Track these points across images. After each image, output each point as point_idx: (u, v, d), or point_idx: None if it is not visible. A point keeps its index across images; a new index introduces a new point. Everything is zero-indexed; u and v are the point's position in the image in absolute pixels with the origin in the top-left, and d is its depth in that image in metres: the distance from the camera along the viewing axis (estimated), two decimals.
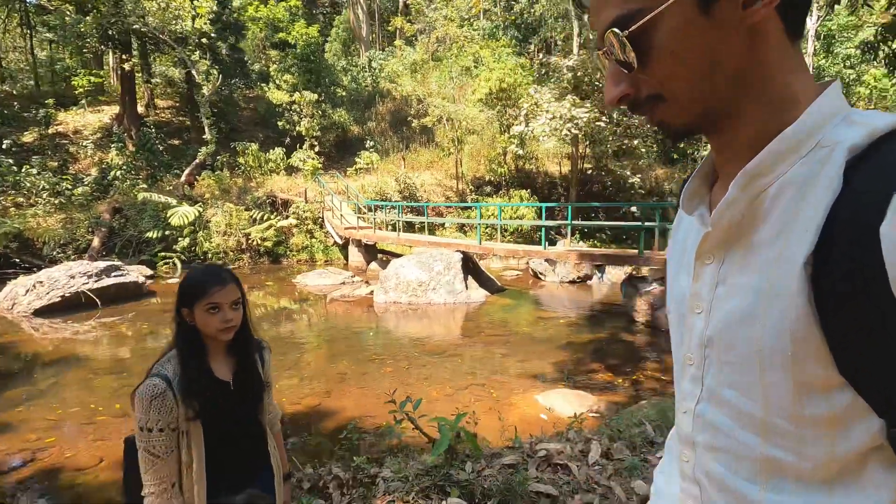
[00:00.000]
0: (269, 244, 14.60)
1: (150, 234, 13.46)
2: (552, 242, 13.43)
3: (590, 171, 18.11)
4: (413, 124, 18.79)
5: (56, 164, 15.52)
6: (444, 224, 15.83)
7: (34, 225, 12.68)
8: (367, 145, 19.96)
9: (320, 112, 18.93)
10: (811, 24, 16.91)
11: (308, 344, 7.85)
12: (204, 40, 17.10)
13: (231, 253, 14.24)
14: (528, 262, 13.14)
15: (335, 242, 15.20)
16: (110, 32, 16.45)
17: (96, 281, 9.56)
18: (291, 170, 18.10)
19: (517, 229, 15.85)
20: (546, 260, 11.59)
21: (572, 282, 11.97)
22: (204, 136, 16.99)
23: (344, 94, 21.87)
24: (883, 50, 8.28)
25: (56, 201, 13.89)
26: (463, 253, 10.50)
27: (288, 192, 16.38)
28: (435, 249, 10.85)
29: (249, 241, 14.48)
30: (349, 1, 28.00)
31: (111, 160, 16.18)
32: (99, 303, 9.33)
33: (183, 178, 15.96)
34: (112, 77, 21.80)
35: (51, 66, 22.99)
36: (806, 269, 0.43)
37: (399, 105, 22.49)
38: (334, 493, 2.51)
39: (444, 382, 6.06)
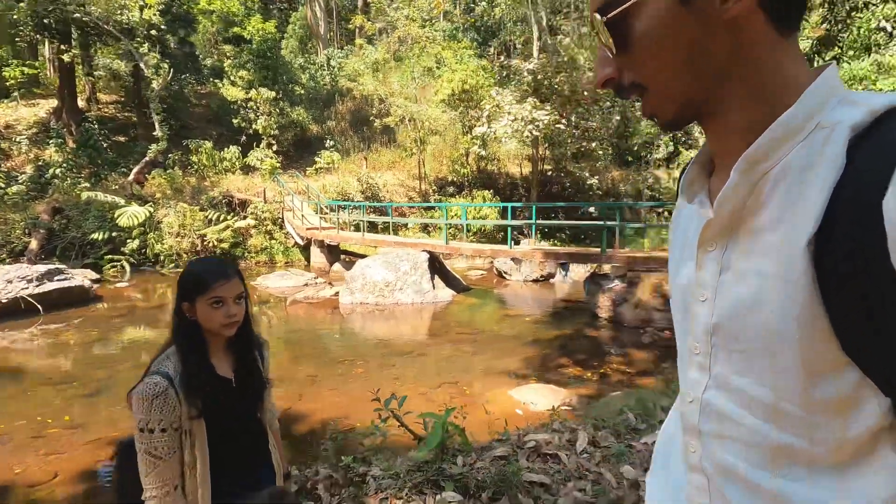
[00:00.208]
0: (225, 245, 14.07)
1: (95, 236, 12.66)
2: (516, 242, 13.65)
3: (549, 173, 18.53)
4: (376, 124, 18.62)
5: None
6: (406, 224, 15.77)
7: None
8: (327, 145, 19.61)
9: (278, 110, 18.44)
10: None
11: (274, 347, 7.58)
12: (153, 32, 16.29)
13: (185, 255, 13.60)
14: (492, 262, 13.29)
15: (296, 243, 14.83)
16: (47, 21, 15.38)
17: (37, 286, 8.91)
18: (248, 169, 17.53)
19: (480, 229, 16.00)
20: (512, 259, 11.77)
21: (536, 280, 12.20)
22: (154, 133, 16.17)
23: (302, 92, 21.39)
24: (817, 61, 8.95)
25: None
26: (429, 253, 10.50)
27: (245, 191, 15.85)
28: (401, 249, 10.80)
29: (205, 243, 13.90)
30: None
31: (49, 157, 15.12)
32: (41, 309, 8.70)
33: (131, 177, 15.12)
34: (49, 69, 20.38)
35: None
36: (809, 250, 0.44)
37: (359, 104, 22.22)
38: (324, 495, 2.45)
39: (417, 382, 6.04)
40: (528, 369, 6.40)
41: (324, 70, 23.80)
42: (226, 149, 17.66)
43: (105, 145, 16.62)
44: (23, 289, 8.70)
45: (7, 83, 17.45)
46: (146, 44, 16.27)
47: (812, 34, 9.07)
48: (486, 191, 17.76)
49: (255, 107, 18.05)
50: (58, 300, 9.12)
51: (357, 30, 27.62)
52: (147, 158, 15.76)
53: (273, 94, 17.92)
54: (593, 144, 16.15)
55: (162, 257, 13.36)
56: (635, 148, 20.57)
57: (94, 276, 11.40)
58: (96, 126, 16.83)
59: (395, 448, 3.17)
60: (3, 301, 8.42)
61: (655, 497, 0.69)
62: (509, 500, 2.22)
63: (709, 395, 0.55)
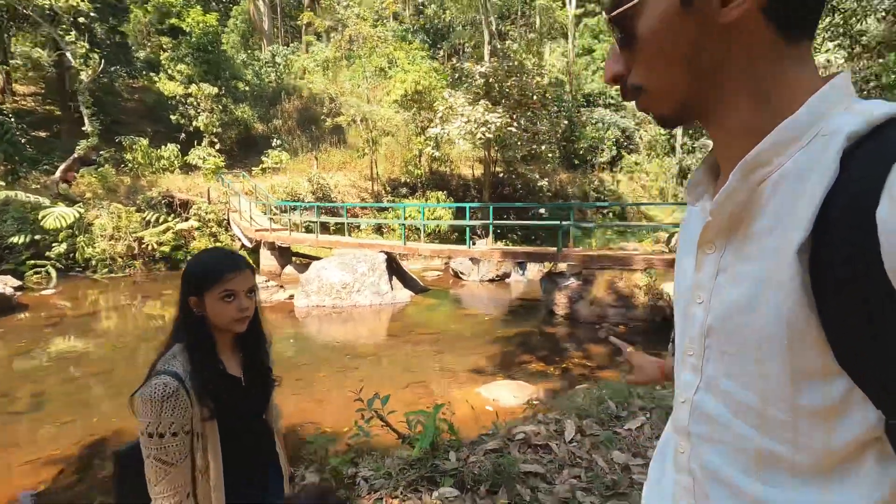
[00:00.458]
0: (166, 249, 13.24)
1: (14, 240, 11.52)
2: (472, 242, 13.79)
3: (501, 175, 18.88)
4: (327, 123, 18.21)
5: None
6: (359, 226, 15.52)
7: None
8: (273, 144, 18.95)
9: (220, 107, 17.62)
10: None
11: None
12: (81, 19, 15.08)
13: (120, 259, 12.69)
14: (447, 262, 13.34)
15: (243, 246, 14.19)
16: None
17: None
18: (189, 168, 16.60)
19: (434, 230, 16.03)
20: (470, 259, 11.86)
21: (492, 280, 12.37)
22: (83, 129, 14.97)
23: (247, 89, 20.56)
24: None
25: None
26: (387, 254, 10.39)
27: (187, 191, 15.00)
28: (358, 250, 10.61)
29: (143, 246, 13.01)
30: None
31: None
32: None
33: (58, 175, 13.90)
34: None
35: None
36: (801, 256, 0.43)
37: (307, 103, 21.65)
38: None
39: (382, 383, 5.95)
40: (493, 367, 6.47)
41: (269, 67, 23.00)
42: (163, 146, 16.65)
43: (23, 141, 15.18)
44: None
45: None
46: (73, 31, 15.03)
47: None
48: (440, 192, 17.83)
49: (195, 103, 17.15)
50: None
51: (304, 27, 26.91)
52: (75, 155, 14.54)
53: (215, 90, 17.10)
54: (543, 147, 16.61)
55: (94, 262, 12.38)
56: (581, 152, 21.37)
57: (16, 283, 10.38)
58: (13, 120, 15.33)
59: (379, 448, 3.11)
60: None
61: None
62: (507, 492, 2.23)
63: (699, 397, 0.55)
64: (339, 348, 7.50)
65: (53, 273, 11.59)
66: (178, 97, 17.02)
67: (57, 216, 11.77)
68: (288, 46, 26.14)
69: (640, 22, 0.50)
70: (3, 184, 12.98)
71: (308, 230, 13.91)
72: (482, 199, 17.25)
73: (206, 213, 14.27)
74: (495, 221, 11.55)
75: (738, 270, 0.49)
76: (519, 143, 15.90)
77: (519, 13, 25.21)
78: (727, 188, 0.49)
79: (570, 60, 22.75)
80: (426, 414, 2.64)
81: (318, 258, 11.62)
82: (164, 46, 18.39)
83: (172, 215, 14.11)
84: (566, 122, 18.70)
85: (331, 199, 16.61)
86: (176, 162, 16.50)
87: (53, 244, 11.98)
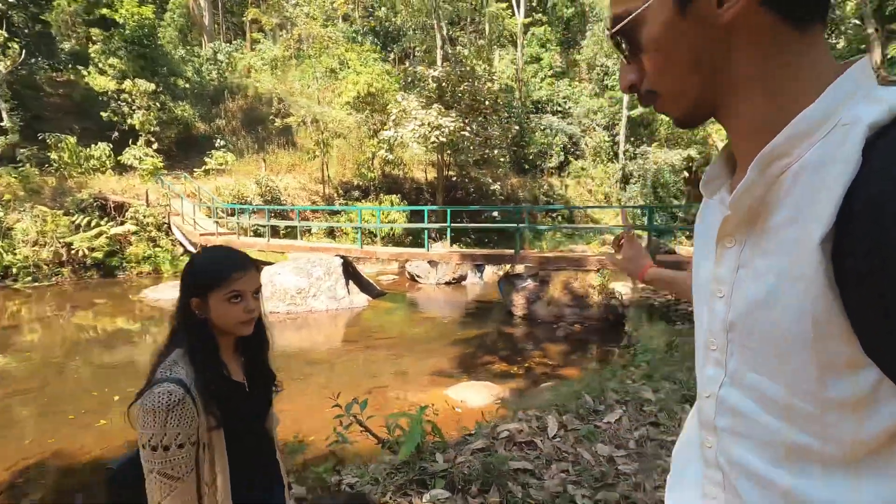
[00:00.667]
0: (98, 255, 12.29)
1: None
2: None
3: (454, 178, 19.01)
4: (276, 124, 17.61)
5: None
6: (310, 230, 15.12)
7: None
8: (217, 144, 18.10)
9: (158, 104, 16.62)
10: None
11: None
12: None
13: (46, 266, 11.66)
14: (403, 266, 13.25)
15: (186, 251, 13.45)
16: None
17: None
18: (123, 169, 15.55)
19: (389, 234, 15.89)
20: (428, 262, 11.84)
21: (448, 283, 12.41)
22: (0, 124, 13.66)
23: (187, 86, 19.52)
24: None
25: None
26: (343, 258, 10.18)
27: (123, 194, 14.02)
28: (313, 255, 10.33)
29: (72, 252, 12.01)
30: None
31: None
32: None
33: None
34: None
35: None
36: (824, 248, 0.43)
37: (253, 103, 20.86)
38: None
39: (345, 388, 5.75)
40: (457, 369, 6.48)
41: (211, 64, 21.97)
42: (93, 145, 15.49)
43: None
44: None
45: None
46: None
47: None
48: (393, 195, 17.70)
49: (129, 100, 16.08)
50: None
51: (249, 24, 25.96)
52: None
53: (152, 86, 16.12)
54: (494, 152, 16.90)
55: (15, 270, 11.29)
56: (531, 157, 21.92)
57: None
58: None
59: (356, 455, 3.04)
60: None
61: None
62: (498, 489, 2.24)
63: (724, 391, 0.55)
64: (297, 355, 7.25)
65: None
66: (109, 93, 15.91)
67: None
68: (231, 44, 25.09)
69: (643, 33, 0.51)
70: None
71: (257, 234, 13.38)
72: (436, 202, 17.30)
73: (145, 216, 13.40)
74: (456, 224, 11.63)
75: (759, 264, 0.49)
76: (471, 148, 16.09)
77: (469, 19, 25.57)
78: (746, 182, 0.49)
79: (519, 67, 23.30)
80: (409, 417, 2.60)
81: (269, 263, 11.19)
82: (94, 38, 17.13)
83: (106, 219, 13.13)
84: (517, 127, 19.11)
85: (280, 202, 16.07)
86: (108, 162, 15.41)
87: None
